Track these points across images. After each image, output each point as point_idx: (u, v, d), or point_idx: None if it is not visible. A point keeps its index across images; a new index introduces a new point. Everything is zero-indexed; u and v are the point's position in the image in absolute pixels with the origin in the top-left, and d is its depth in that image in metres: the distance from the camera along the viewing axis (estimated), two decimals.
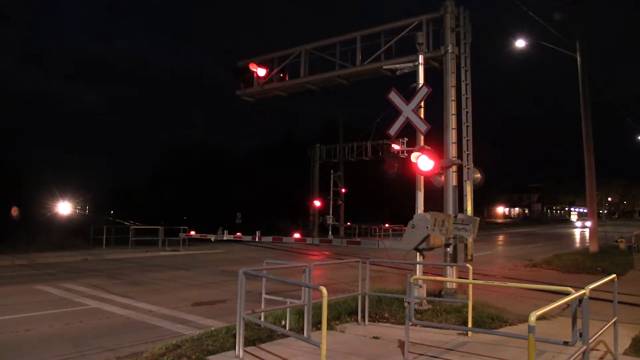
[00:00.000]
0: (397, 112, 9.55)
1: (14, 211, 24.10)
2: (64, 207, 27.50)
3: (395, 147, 10.18)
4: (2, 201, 25.05)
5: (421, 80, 9.95)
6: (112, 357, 6.56)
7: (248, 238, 13.83)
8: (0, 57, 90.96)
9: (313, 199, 34.54)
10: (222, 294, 11.60)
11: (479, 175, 10.33)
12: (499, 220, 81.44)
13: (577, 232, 51.23)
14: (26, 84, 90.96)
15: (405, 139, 11.59)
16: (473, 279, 7.24)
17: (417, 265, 9.24)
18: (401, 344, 6.28)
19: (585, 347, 4.61)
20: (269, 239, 13.65)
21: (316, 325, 7.02)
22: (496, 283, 8.32)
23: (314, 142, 36.37)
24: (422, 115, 9.59)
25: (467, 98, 10.31)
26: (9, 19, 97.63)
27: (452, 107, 10.19)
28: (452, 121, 10.16)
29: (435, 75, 10.64)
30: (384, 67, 11.08)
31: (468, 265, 7.70)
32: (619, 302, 6.36)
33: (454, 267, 9.83)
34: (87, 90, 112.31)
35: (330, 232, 32.52)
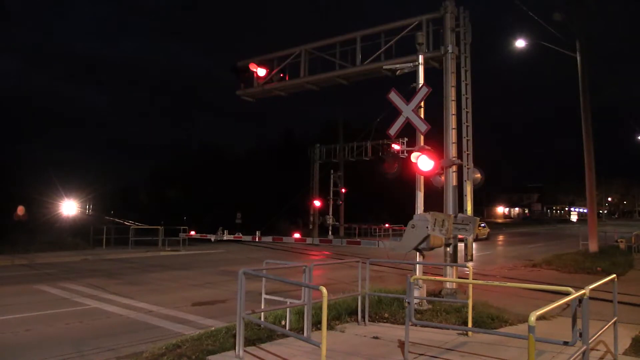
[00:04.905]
0: (397, 112, 9.55)
1: (20, 210, 24.03)
2: (65, 207, 27.47)
3: (396, 147, 10.19)
4: (2, 201, 25.03)
5: (421, 80, 9.95)
6: (112, 357, 6.57)
7: (248, 238, 13.86)
8: (3, 56, 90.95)
9: (313, 199, 34.51)
10: (222, 294, 11.60)
11: (479, 175, 10.33)
12: (499, 220, 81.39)
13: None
14: (28, 83, 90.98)
15: (406, 139, 11.60)
16: (473, 279, 7.24)
17: (417, 265, 9.24)
18: (401, 344, 6.28)
19: (585, 347, 4.61)
20: (269, 239, 13.68)
21: (316, 325, 7.02)
22: (496, 283, 8.33)
23: (314, 142, 36.33)
24: (422, 115, 9.60)
25: (467, 98, 10.31)
26: (9, 18, 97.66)
27: (452, 107, 10.19)
28: (452, 121, 10.16)
29: (435, 75, 10.66)
30: (384, 67, 11.09)
31: (468, 265, 7.70)
32: (619, 302, 6.36)
33: (454, 267, 9.83)
34: (87, 90, 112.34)
35: (330, 232, 32.49)
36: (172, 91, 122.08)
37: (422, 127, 9.43)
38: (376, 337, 6.96)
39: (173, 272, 15.86)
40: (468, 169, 10.12)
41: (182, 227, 23.92)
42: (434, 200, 10.34)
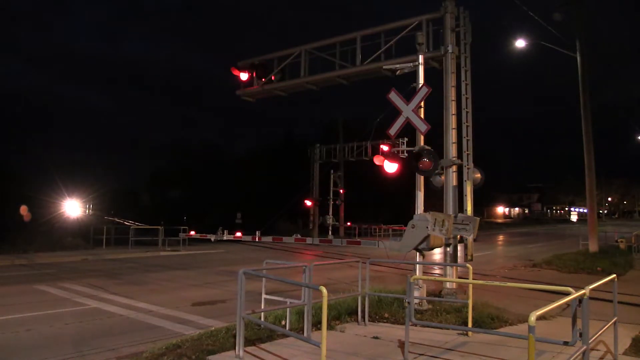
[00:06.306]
0: (397, 112, 9.55)
1: (23, 210, 24.04)
2: (65, 207, 27.50)
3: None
4: (2, 201, 25.02)
5: (421, 80, 9.96)
6: (112, 357, 6.57)
7: (248, 238, 13.81)
8: (4, 56, 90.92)
9: (313, 199, 34.52)
10: (222, 294, 11.60)
11: (479, 175, 10.33)
12: (499, 220, 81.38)
13: None
14: (28, 83, 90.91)
15: (406, 139, 11.60)
16: (473, 279, 7.25)
17: (417, 265, 9.24)
18: (401, 344, 6.28)
19: (585, 347, 4.61)
20: (269, 239, 13.63)
21: (316, 325, 7.02)
22: (496, 283, 8.33)
23: (314, 142, 36.31)
24: (422, 115, 9.60)
25: (467, 98, 10.31)
26: (10, 18, 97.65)
27: (452, 107, 10.19)
28: (452, 121, 10.16)
29: (435, 75, 10.66)
30: (384, 67, 11.09)
31: (468, 265, 7.70)
32: (619, 302, 6.36)
33: (454, 267, 9.83)
34: (88, 90, 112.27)
35: (330, 232, 32.44)
36: (172, 91, 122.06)
37: (422, 127, 9.43)
38: (376, 337, 6.97)
39: (173, 272, 15.86)
40: (468, 169, 10.12)
41: (182, 227, 23.89)
42: (434, 200, 10.35)
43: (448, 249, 9.75)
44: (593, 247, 19.36)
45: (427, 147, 9.53)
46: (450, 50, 10.28)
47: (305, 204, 34.06)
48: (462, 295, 9.28)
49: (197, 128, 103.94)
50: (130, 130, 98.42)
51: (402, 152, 10.28)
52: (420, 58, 10.12)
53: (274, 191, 37.92)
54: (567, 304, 5.07)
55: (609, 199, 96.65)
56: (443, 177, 10.11)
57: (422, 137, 9.78)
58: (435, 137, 10.12)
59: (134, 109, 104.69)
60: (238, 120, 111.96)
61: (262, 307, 7.14)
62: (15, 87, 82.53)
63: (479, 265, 15.23)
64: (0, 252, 19.57)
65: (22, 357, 6.63)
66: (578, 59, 20.03)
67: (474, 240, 9.92)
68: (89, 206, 30.83)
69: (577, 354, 4.59)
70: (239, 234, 14.76)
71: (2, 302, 10.22)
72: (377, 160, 10.02)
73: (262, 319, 7.28)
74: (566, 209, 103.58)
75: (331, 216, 33.77)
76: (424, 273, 10.37)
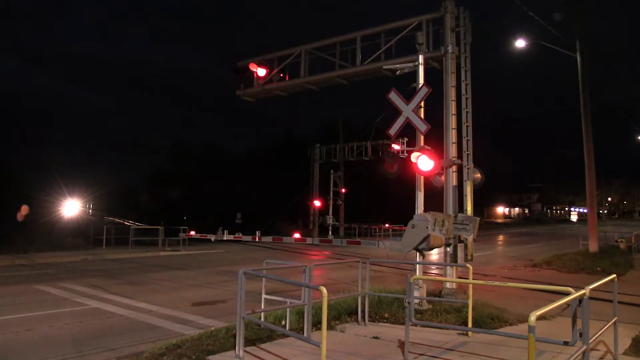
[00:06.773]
0: (397, 112, 9.55)
1: (24, 210, 24.00)
2: (65, 207, 27.47)
3: (395, 147, 10.17)
4: (2, 201, 25.01)
5: (421, 80, 9.96)
6: (112, 357, 6.57)
7: (248, 238, 13.84)
8: (5, 57, 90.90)
9: (313, 199, 34.52)
10: (222, 294, 11.60)
11: (479, 175, 10.33)
12: (499, 221, 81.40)
13: None
14: (28, 84, 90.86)
15: (405, 139, 11.62)
16: (473, 279, 7.25)
17: (417, 265, 9.24)
18: (401, 344, 6.28)
19: (585, 347, 4.61)
20: (269, 239, 13.67)
21: (316, 325, 7.02)
22: (496, 283, 8.34)
23: (314, 142, 36.33)
24: (422, 115, 9.60)
25: (467, 98, 10.31)
26: (14, 19, 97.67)
27: (452, 107, 10.19)
28: (452, 121, 10.17)
29: (435, 75, 10.66)
30: (384, 67, 11.09)
31: (468, 265, 7.70)
32: (619, 302, 6.36)
33: (454, 267, 9.83)
34: (88, 91, 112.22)
35: (330, 232, 32.49)
36: (172, 91, 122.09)
37: (422, 127, 9.43)
38: (376, 337, 6.97)
39: (173, 272, 15.85)
40: (468, 169, 10.12)
41: (182, 227, 23.91)
42: (434, 200, 10.34)
43: (448, 249, 9.75)
44: (593, 247, 19.36)
45: (427, 147, 9.53)
46: (450, 50, 10.28)
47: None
48: (462, 295, 9.28)
49: (197, 128, 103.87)
50: (130, 130, 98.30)
51: (402, 152, 10.28)
52: (420, 58, 10.12)
53: (273, 191, 37.89)
54: (567, 304, 5.07)
55: (609, 199, 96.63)
56: (443, 177, 10.11)
57: (422, 137, 9.78)
58: (436, 137, 10.10)
59: (134, 109, 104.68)
60: (238, 120, 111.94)
61: (262, 307, 7.14)
62: (15, 87, 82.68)
63: (479, 265, 15.25)
64: (0, 252, 19.56)
65: (22, 357, 6.63)
66: (578, 59, 20.03)
67: (474, 240, 9.91)
68: (89, 206, 30.77)
69: (577, 354, 4.59)
70: (239, 234, 14.79)
71: (2, 302, 10.22)
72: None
73: (262, 319, 7.28)
74: (566, 209, 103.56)
75: (331, 216, 33.82)
76: (424, 273, 10.36)
